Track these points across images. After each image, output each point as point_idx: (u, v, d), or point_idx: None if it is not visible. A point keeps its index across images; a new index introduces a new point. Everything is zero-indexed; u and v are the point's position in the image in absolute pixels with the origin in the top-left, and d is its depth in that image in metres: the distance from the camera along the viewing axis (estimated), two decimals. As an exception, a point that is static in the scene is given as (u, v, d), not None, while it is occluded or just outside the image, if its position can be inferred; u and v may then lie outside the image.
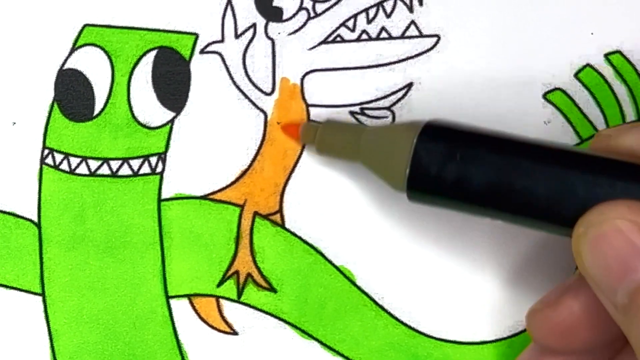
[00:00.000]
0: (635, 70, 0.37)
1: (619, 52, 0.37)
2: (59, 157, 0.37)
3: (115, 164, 0.37)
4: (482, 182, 0.31)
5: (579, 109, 0.37)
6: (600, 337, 0.30)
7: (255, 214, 0.37)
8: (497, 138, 0.32)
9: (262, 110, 0.37)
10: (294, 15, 0.37)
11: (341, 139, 0.35)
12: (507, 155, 0.31)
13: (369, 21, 0.37)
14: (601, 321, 0.30)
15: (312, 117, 0.37)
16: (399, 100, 0.37)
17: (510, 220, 0.31)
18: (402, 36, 0.37)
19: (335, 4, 0.37)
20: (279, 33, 0.37)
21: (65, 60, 0.37)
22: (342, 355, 0.37)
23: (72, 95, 0.37)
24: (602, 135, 0.32)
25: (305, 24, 0.37)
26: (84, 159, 0.37)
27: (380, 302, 0.37)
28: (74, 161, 0.37)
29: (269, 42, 0.37)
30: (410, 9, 0.37)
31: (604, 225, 0.28)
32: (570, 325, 0.32)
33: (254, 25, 0.37)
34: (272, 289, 0.37)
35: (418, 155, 0.32)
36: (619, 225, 0.27)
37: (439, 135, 0.32)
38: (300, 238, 0.37)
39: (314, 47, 0.37)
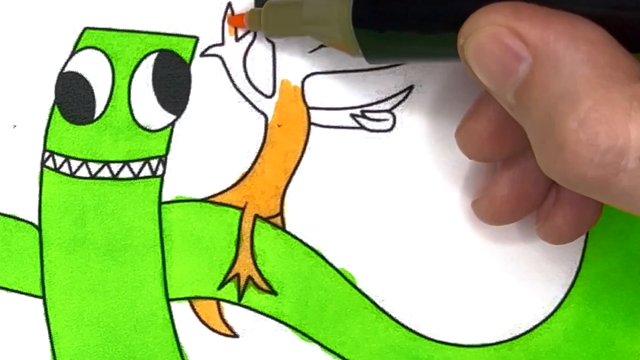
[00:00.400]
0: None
1: None
2: (59, 159, 0.37)
3: (115, 167, 0.37)
4: (417, 3, 0.31)
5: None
6: (522, 136, 0.30)
7: (256, 216, 0.37)
8: None
9: (262, 113, 0.37)
10: None
11: (284, 16, 0.35)
12: None
13: (370, 24, 0.37)
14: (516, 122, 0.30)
15: (313, 120, 0.37)
16: (400, 102, 0.37)
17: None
18: (403, 39, 0.37)
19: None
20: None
21: (66, 63, 0.37)
22: (342, 357, 0.37)
23: (73, 98, 0.37)
24: None
25: (305, 26, 0.37)
26: (85, 161, 0.37)
27: (380, 305, 0.37)
28: (75, 164, 0.37)
29: (270, 45, 0.37)
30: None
31: (479, 34, 0.28)
32: (492, 131, 0.33)
33: (254, 28, 0.37)
34: (272, 291, 0.37)
35: (356, 1, 0.32)
36: (492, 32, 0.28)
37: None
38: (301, 241, 0.37)
39: (315, 49, 0.37)
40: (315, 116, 0.37)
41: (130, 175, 0.37)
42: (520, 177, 0.35)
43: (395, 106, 0.37)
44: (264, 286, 0.37)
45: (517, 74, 0.28)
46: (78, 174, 0.37)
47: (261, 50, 0.37)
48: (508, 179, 0.35)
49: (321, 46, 0.37)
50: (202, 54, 0.37)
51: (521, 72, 0.28)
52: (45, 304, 0.37)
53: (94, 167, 0.37)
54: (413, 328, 0.38)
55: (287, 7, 0.36)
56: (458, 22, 0.29)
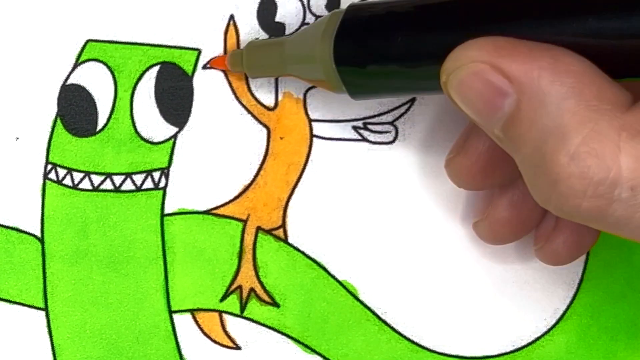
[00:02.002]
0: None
1: None
2: (62, 172, 0.37)
3: (118, 179, 0.37)
4: (398, 39, 0.31)
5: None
6: (514, 165, 0.30)
7: (258, 228, 0.37)
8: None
9: (265, 126, 0.37)
10: (296, 30, 0.37)
11: (266, 57, 0.35)
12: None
13: (372, 36, 0.37)
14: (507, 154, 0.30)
15: (315, 133, 0.37)
16: (402, 115, 0.37)
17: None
18: (405, 51, 0.37)
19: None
20: (282, 48, 0.37)
21: (68, 76, 0.37)
22: (345, 369, 0.37)
23: (75, 110, 0.37)
24: None
25: (307, 39, 0.37)
26: (87, 174, 0.37)
27: (383, 317, 0.37)
28: (77, 176, 0.37)
29: (272, 57, 0.37)
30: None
31: (461, 72, 0.28)
32: (483, 164, 0.34)
33: (256, 41, 0.37)
34: (275, 303, 0.37)
35: (342, 27, 0.32)
36: (474, 69, 0.28)
37: (353, 22, 0.32)
38: (303, 253, 0.37)
39: (317, 62, 0.37)
40: (318, 128, 0.37)
41: (133, 187, 0.37)
42: (519, 200, 0.35)
43: (397, 118, 0.37)
44: (266, 298, 0.37)
45: (503, 109, 0.28)
46: (80, 186, 0.37)
47: (263, 62, 0.37)
48: (506, 201, 0.35)
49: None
50: (205, 67, 0.37)
51: (507, 108, 0.28)
52: (47, 316, 0.37)
53: (97, 179, 0.37)
54: (415, 340, 0.38)
55: (268, 47, 0.36)
56: (440, 55, 0.29)
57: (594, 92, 0.27)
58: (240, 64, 0.36)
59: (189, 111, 0.37)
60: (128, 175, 0.37)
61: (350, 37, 0.32)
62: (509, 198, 0.35)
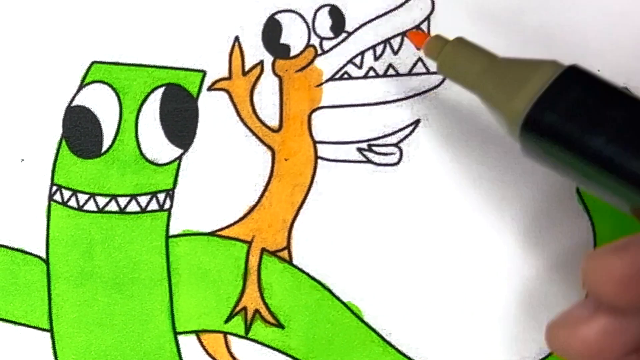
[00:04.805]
0: (642, 106, 0.37)
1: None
2: (67, 193, 0.37)
3: (123, 201, 0.37)
4: (603, 140, 0.27)
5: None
6: None
7: (263, 250, 0.37)
8: (632, 99, 0.29)
9: (269, 147, 0.37)
10: (301, 52, 0.37)
11: (467, 61, 0.32)
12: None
13: (376, 58, 0.38)
14: None
15: (320, 154, 0.37)
16: (406, 136, 0.37)
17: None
18: (410, 73, 0.37)
19: (343, 41, 0.38)
20: (286, 70, 0.37)
21: (74, 97, 0.37)
22: (350, 391, 0.37)
23: (80, 132, 0.37)
24: None
25: (312, 61, 0.38)
26: (92, 195, 0.37)
27: (387, 338, 0.37)
28: (82, 198, 0.37)
29: (277, 79, 0.37)
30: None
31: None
32: (635, 274, 0.28)
33: (261, 62, 0.38)
34: (279, 325, 0.37)
35: (553, 89, 0.29)
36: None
37: (580, 79, 0.29)
38: (307, 274, 0.37)
39: (322, 84, 0.37)
40: (322, 150, 0.37)
41: (138, 209, 0.37)
42: (617, 332, 0.29)
43: (402, 140, 0.37)
44: (271, 320, 0.37)
45: None
46: (85, 207, 0.37)
47: (268, 84, 0.37)
48: (603, 325, 0.30)
49: (328, 80, 0.37)
50: (209, 88, 0.37)
51: None
52: (52, 337, 0.37)
53: (102, 200, 0.37)
54: (420, 361, 0.38)
55: (477, 53, 0.33)
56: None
57: None
58: (436, 54, 0.33)
59: (194, 133, 0.37)
60: (133, 196, 0.37)
61: (556, 107, 0.29)
62: (611, 322, 0.29)
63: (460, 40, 0.33)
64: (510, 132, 0.31)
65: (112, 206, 0.37)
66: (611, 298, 0.29)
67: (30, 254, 0.37)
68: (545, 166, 0.31)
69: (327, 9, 0.38)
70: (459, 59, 0.33)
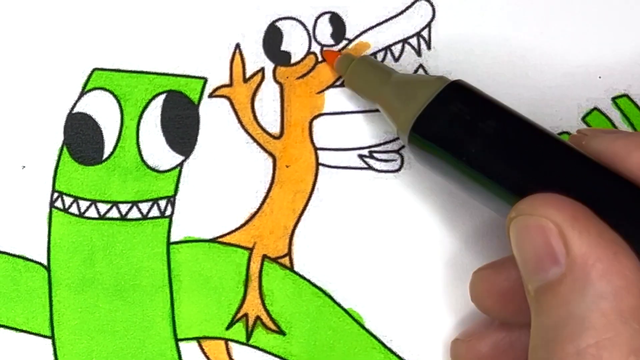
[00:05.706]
0: (643, 112, 0.37)
1: (626, 95, 0.38)
2: (68, 200, 0.37)
3: (124, 207, 0.37)
4: (477, 148, 0.31)
5: (587, 151, 0.37)
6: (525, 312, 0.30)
7: (264, 257, 0.37)
8: (507, 112, 0.32)
9: (270, 154, 0.37)
10: (302, 59, 0.37)
11: (369, 78, 0.36)
12: (507, 129, 0.31)
13: (377, 65, 0.37)
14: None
15: (321, 161, 0.37)
16: (407, 143, 0.37)
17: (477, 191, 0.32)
18: (410, 80, 0.37)
19: (343, 48, 0.38)
20: (287, 77, 0.37)
21: (75, 104, 0.37)
22: (351, 397, 0.37)
23: (82, 138, 0.37)
24: (579, 134, 0.32)
25: (313, 67, 0.38)
26: (94, 202, 0.37)
27: (388, 345, 0.37)
28: (84, 204, 0.37)
29: (277, 86, 0.37)
30: (419, 52, 0.38)
31: (530, 218, 0.29)
32: (507, 288, 0.32)
33: (262, 69, 0.38)
34: (281, 331, 0.37)
35: (436, 102, 0.33)
36: (542, 223, 0.28)
37: (461, 94, 0.33)
38: (309, 281, 0.37)
39: (322, 90, 0.37)
40: (323, 157, 0.38)
41: (139, 215, 0.37)
42: (506, 347, 0.34)
43: (403, 147, 0.37)
44: (272, 326, 0.37)
45: (547, 273, 0.28)
46: (87, 214, 0.37)
47: (269, 91, 0.37)
48: (494, 340, 0.34)
49: (329, 87, 0.37)
50: (211, 95, 0.37)
51: (551, 275, 0.28)
52: (54, 344, 0.37)
53: (103, 207, 0.37)
54: (421, 368, 0.38)
55: (377, 70, 0.36)
56: (519, 188, 0.30)
57: (632, 304, 0.27)
58: (345, 70, 0.36)
59: (195, 140, 0.37)
60: (134, 203, 0.37)
61: (437, 119, 0.32)
62: (498, 339, 0.34)
63: (364, 59, 0.37)
64: (402, 140, 0.34)
65: (114, 213, 0.37)
66: (494, 311, 0.34)
67: (32, 260, 0.37)
68: (433, 172, 0.34)
69: (327, 16, 0.38)
70: (362, 74, 0.36)
